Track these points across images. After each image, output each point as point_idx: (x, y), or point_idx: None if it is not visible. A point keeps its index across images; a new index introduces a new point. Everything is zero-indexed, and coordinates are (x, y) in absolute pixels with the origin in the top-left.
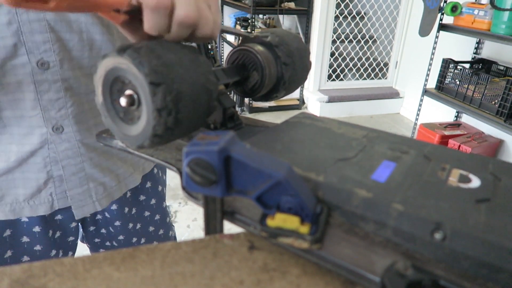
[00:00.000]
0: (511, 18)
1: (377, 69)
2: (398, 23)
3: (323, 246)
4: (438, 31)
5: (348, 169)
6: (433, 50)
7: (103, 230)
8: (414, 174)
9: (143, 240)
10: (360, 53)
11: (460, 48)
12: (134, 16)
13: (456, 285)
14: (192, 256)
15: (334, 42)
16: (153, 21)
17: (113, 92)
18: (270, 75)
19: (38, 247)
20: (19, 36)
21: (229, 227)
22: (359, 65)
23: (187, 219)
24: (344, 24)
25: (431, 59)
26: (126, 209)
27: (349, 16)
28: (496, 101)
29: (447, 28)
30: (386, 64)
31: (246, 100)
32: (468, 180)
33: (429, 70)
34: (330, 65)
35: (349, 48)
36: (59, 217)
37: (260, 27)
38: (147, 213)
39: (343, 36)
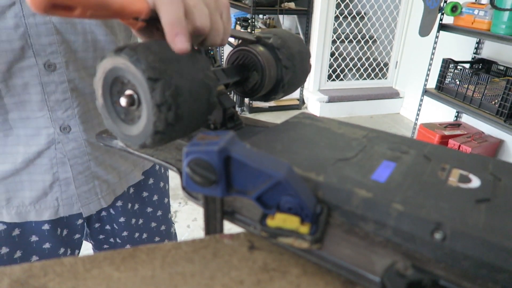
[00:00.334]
0: (511, 18)
1: (377, 69)
2: (398, 23)
3: (323, 246)
4: (438, 31)
5: (348, 169)
6: (433, 50)
7: (107, 227)
8: (414, 174)
9: (145, 235)
10: (360, 53)
11: (460, 48)
12: (151, 23)
13: (456, 285)
14: (192, 256)
15: (334, 42)
16: (170, 13)
17: (113, 93)
18: (270, 77)
19: (47, 245)
20: (26, 39)
21: (229, 227)
22: (359, 65)
23: (187, 219)
24: (344, 24)
25: (431, 59)
26: (129, 205)
27: (349, 16)
28: (496, 101)
29: (447, 28)
30: (386, 64)
31: (246, 100)
32: (468, 180)
33: (429, 70)
34: (330, 65)
35: (349, 48)
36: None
37: (260, 27)
38: (149, 209)
39: (343, 36)
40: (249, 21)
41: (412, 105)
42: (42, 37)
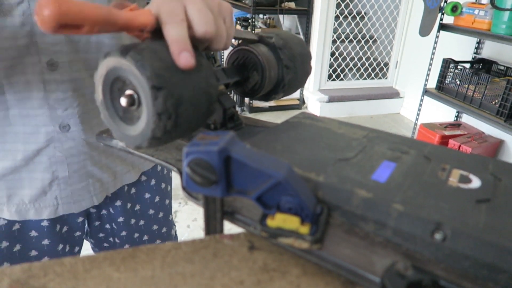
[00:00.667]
0: (511, 18)
1: (377, 69)
2: (398, 23)
3: (323, 246)
4: (438, 31)
5: (348, 169)
6: (433, 50)
7: (107, 226)
8: (414, 174)
9: (145, 237)
10: (361, 53)
11: (460, 48)
12: (157, 32)
13: (456, 285)
14: (192, 256)
15: (334, 42)
16: (173, 31)
17: (113, 90)
18: (270, 77)
19: (46, 242)
20: (31, 37)
21: (229, 227)
22: (359, 65)
23: (187, 219)
24: (345, 24)
25: (431, 59)
26: (129, 205)
27: (349, 16)
28: (496, 101)
29: (447, 28)
30: (386, 64)
31: (246, 100)
32: (469, 181)
33: (429, 70)
34: (330, 65)
35: (349, 48)
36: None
37: (260, 27)
38: (151, 211)
39: (343, 36)
40: (249, 21)
41: (412, 105)
42: (47, 36)
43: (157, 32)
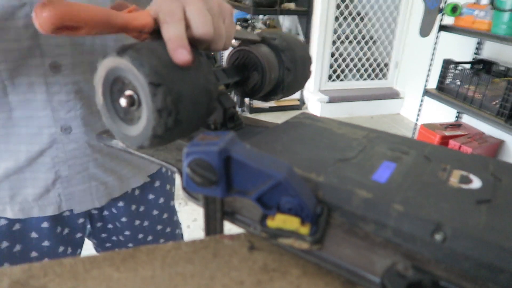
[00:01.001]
0: (511, 19)
1: (377, 70)
2: (398, 23)
3: (323, 246)
4: (438, 32)
5: (349, 169)
6: (434, 51)
7: (110, 225)
8: (414, 174)
9: (150, 238)
10: (361, 54)
11: (460, 48)
12: (155, 34)
13: (457, 285)
14: (192, 257)
15: (334, 42)
16: (170, 29)
17: (113, 92)
18: (270, 77)
19: (46, 243)
20: (35, 39)
21: (229, 228)
22: (359, 65)
23: (187, 219)
24: (345, 25)
25: (432, 59)
26: (134, 207)
27: (349, 16)
28: (496, 101)
29: (447, 28)
30: (386, 65)
31: (247, 100)
32: (469, 181)
33: (429, 70)
34: (331, 66)
35: (349, 48)
36: (66, 213)
37: (260, 28)
38: (155, 212)
39: (343, 37)
40: (249, 21)
41: (413, 105)
42: (51, 38)
43: (156, 33)
